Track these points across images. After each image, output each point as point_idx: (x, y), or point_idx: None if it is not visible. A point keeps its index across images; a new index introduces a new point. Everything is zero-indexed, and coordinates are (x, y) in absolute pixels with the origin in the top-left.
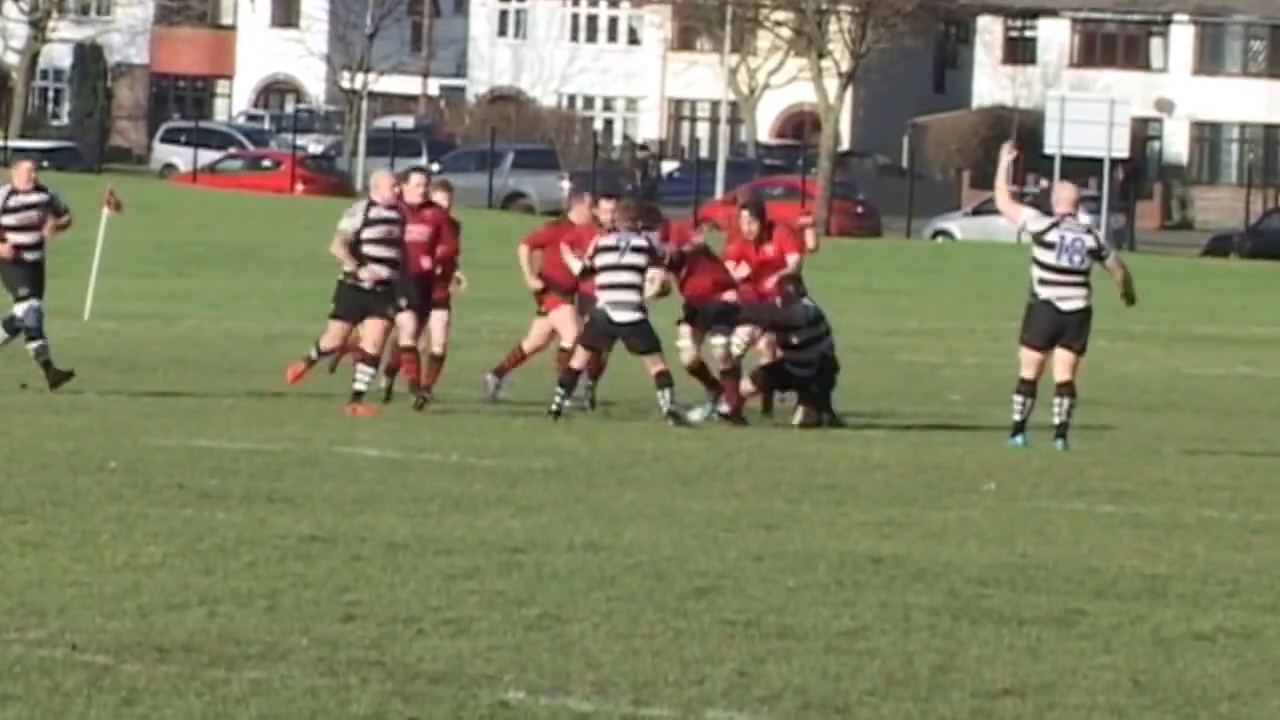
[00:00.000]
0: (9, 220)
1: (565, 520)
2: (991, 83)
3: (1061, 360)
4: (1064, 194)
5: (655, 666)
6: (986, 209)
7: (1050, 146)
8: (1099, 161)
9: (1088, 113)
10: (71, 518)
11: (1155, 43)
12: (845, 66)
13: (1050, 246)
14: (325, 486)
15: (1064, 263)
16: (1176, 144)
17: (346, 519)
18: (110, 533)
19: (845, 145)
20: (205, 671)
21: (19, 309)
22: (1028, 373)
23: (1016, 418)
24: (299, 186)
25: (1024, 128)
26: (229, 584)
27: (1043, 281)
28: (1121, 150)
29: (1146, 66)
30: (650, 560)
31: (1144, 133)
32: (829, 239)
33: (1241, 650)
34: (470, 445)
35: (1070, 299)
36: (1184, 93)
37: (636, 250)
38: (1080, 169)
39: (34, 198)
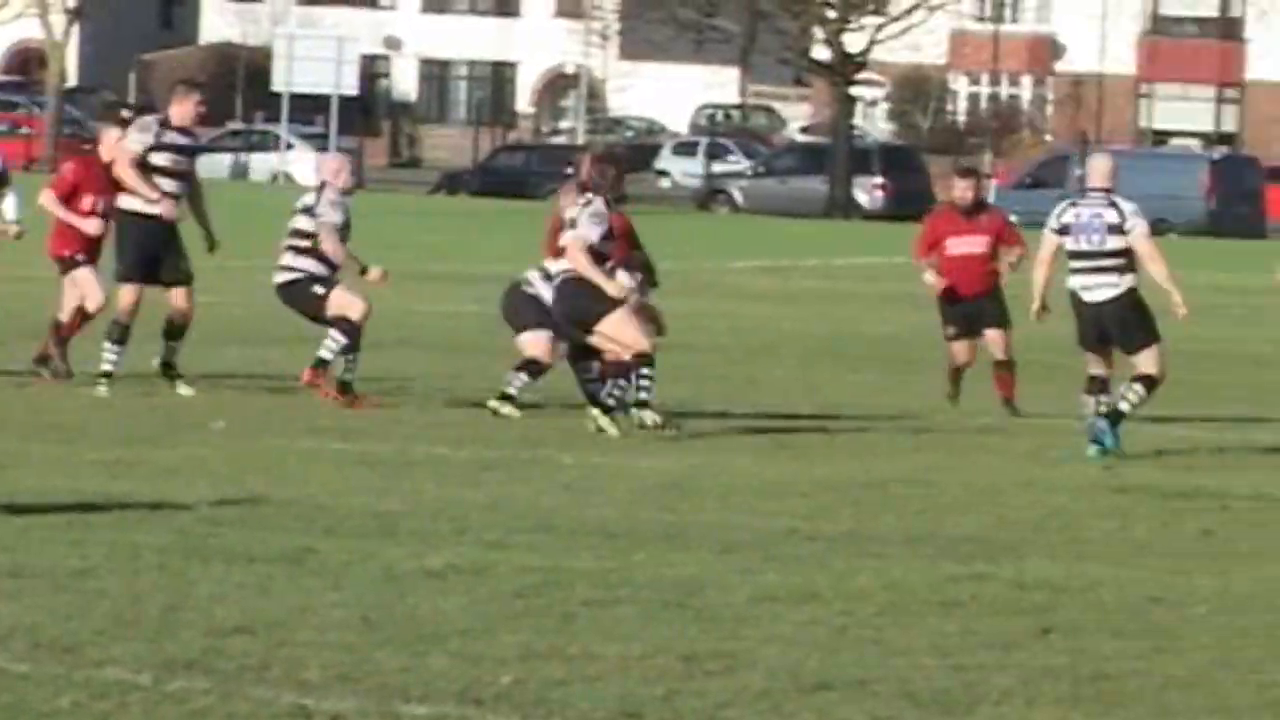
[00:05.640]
0: None
1: None
2: (219, 18)
3: None
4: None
5: None
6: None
7: (279, 84)
8: (328, 99)
9: (316, 49)
10: None
11: None
12: (72, 3)
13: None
14: None
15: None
16: (405, 81)
17: None
18: None
19: (73, 82)
20: None
21: None
22: None
23: None
24: None
25: (253, 65)
26: None
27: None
28: (351, 88)
29: (374, 4)
30: None
31: (373, 70)
32: None
33: (472, 586)
34: None
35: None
36: (413, 30)
37: None
38: (309, 106)
39: None
